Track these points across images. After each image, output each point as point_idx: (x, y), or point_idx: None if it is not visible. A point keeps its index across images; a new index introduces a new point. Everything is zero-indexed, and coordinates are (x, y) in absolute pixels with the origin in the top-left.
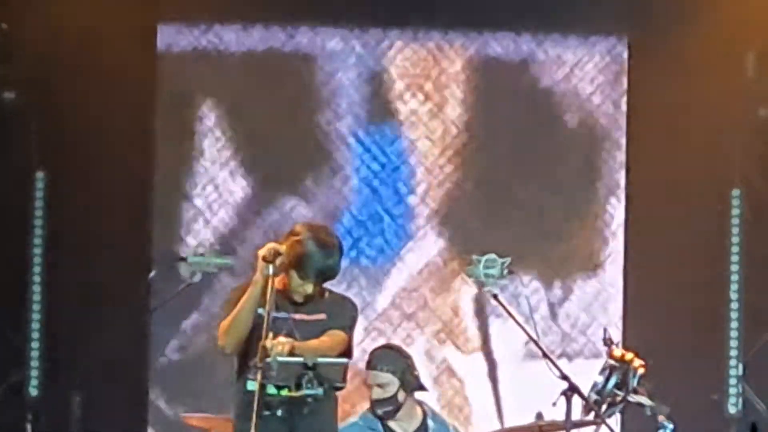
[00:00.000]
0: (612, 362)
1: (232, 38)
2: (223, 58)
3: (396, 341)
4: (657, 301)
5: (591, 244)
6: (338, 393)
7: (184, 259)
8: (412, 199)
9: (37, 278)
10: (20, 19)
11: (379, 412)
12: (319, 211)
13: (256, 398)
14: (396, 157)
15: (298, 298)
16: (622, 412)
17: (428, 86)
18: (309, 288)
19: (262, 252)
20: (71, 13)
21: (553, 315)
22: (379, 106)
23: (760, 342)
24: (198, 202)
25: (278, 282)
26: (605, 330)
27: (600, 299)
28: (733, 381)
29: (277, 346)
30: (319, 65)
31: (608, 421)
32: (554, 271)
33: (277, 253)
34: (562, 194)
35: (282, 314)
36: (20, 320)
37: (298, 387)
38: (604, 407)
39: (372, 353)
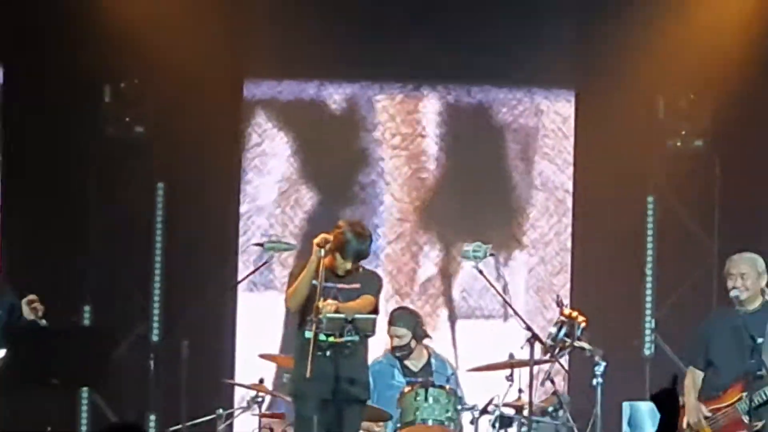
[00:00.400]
0: (562, 318)
1: (295, 90)
2: (289, 104)
3: (410, 304)
4: (595, 275)
5: (548, 234)
6: (369, 340)
7: (261, 245)
8: (421, 204)
9: (158, 258)
10: (146, 75)
11: (397, 354)
12: (357, 212)
13: (311, 343)
14: (410, 175)
15: (341, 273)
16: (569, 354)
17: (430, 126)
18: (348, 265)
19: (316, 240)
20: (182, 70)
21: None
22: (396, 140)
23: (666, 304)
24: (271, 206)
25: (327, 261)
26: (558, 295)
27: (553, 273)
28: (648, 332)
29: (326, 306)
30: (356, 110)
31: (560, 360)
32: (523, 254)
33: (326, 241)
34: (527, 201)
35: (329, 284)
36: (146, 287)
37: (341, 335)
38: (556, 350)
39: (391, 313)
